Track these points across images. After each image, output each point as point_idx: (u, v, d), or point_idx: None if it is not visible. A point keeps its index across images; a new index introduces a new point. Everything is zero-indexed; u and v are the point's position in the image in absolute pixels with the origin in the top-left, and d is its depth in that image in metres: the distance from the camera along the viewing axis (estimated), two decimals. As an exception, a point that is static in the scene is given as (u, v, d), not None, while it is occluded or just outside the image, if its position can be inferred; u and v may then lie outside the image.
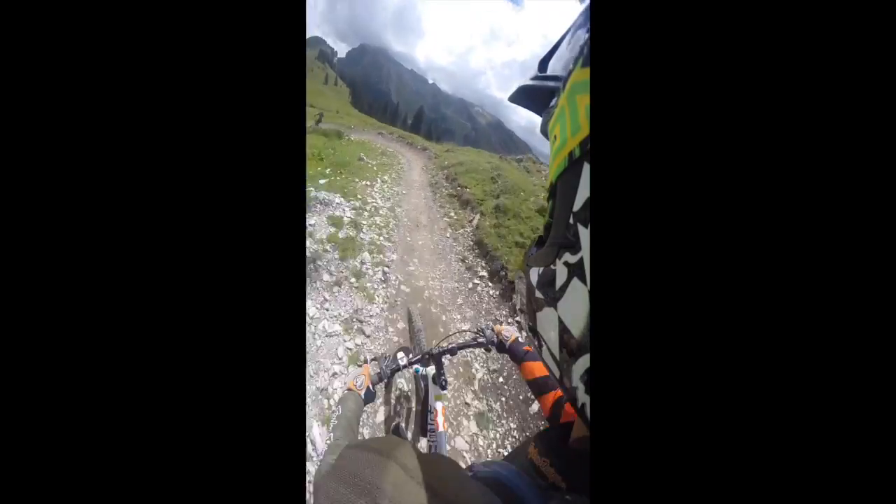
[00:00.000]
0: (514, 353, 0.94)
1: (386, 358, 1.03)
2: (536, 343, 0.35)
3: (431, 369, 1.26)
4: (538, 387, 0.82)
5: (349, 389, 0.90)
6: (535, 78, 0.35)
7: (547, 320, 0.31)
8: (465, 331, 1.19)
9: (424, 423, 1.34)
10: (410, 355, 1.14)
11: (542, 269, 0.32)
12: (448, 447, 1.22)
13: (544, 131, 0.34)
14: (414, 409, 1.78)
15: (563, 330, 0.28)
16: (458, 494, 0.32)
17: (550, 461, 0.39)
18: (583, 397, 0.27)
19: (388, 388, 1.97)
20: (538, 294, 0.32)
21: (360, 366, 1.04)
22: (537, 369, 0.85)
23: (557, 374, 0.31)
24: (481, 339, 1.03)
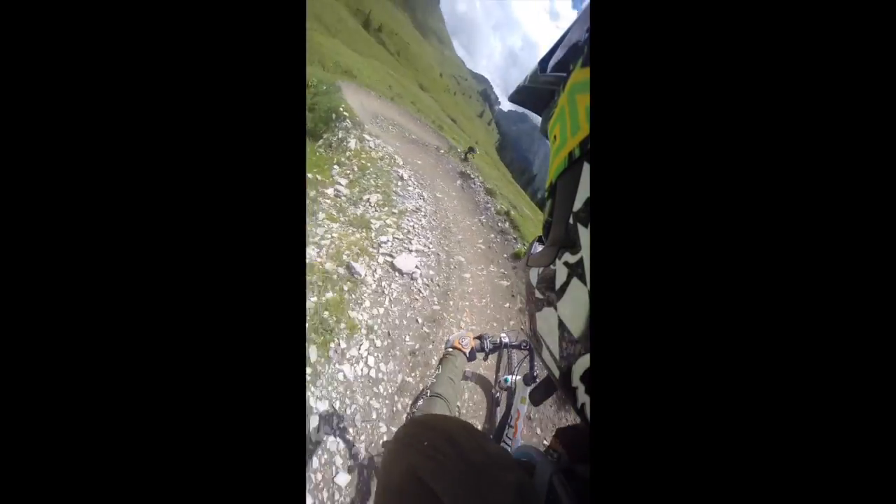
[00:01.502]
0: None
1: (489, 336, 1.10)
2: (535, 343, 0.35)
3: (518, 377, 1.28)
4: None
5: (454, 348, 0.96)
6: (535, 78, 0.35)
7: (547, 320, 0.31)
8: None
9: (501, 433, 1.33)
10: (508, 339, 1.17)
11: (542, 269, 0.32)
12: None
13: (544, 131, 0.34)
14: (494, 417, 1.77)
15: (563, 330, 0.28)
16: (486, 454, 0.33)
17: (558, 435, 0.39)
18: (583, 397, 0.27)
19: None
20: (538, 294, 0.32)
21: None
22: None
23: (557, 374, 0.31)
24: None
